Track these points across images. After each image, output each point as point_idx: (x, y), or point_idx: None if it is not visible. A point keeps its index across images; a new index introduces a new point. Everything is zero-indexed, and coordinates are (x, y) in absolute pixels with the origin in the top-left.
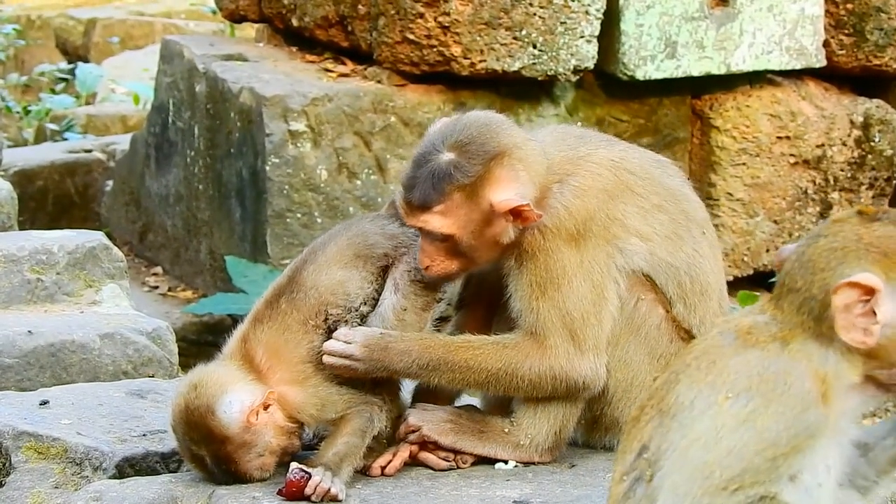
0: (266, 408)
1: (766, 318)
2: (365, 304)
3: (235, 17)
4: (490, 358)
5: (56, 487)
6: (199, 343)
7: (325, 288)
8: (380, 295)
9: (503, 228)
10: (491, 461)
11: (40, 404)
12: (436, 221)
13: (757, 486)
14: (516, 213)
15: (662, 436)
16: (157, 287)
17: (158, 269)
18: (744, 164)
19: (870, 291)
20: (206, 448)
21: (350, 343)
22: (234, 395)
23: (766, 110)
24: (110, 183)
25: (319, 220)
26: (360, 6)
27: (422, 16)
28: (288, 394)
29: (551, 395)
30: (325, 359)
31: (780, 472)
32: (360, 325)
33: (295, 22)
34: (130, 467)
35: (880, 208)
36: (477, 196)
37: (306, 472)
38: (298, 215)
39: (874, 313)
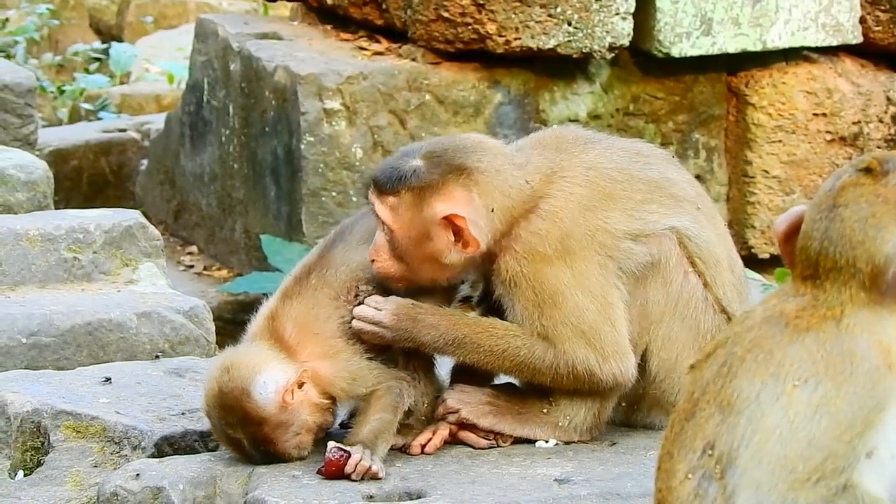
0: (300, 386)
1: (808, 299)
2: None
3: None
4: (514, 348)
5: (95, 466)
6: (235, 322)
7: (356, 264)
8: None
9: (444, 245)
10: (532, 440)
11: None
12: (383, 211)
13: (837, 474)
14: (456, 231)
15: (729, 432)
16: (192, 266)
17: (193, 249)
18: (780, 141)
19: None
20: (243, 431)
21: (380, 310)
22: (268, 374)
23: (802, 87)
24: (145, 162)
25: (354, 199)
26: None
27: None
28: (319, 369)
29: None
30: (354, 323)
31: (858, 452)
32: None
33: (329, 0)
34: (169, 446)
35: (880, 158)
36: (424, 202)
37: (345, 451)
38: (333, 194)
39: None
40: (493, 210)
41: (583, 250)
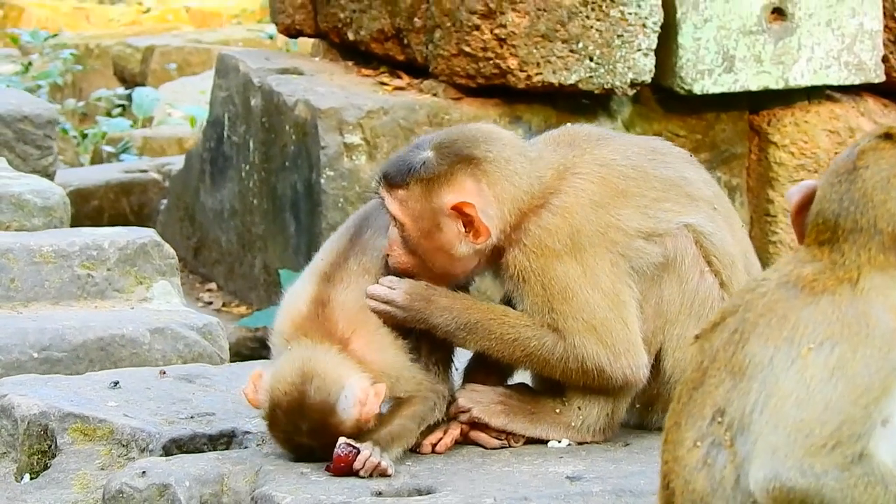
0: (376, 395)
1: (825, 262)
2: None
3: (292, 32)
4: (525, 338)
5: (102, 469)
6: (253, 358)
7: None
8: None
9: (454, 236)
10: (543, 440)
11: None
12: (393, 205)
13: (854, 441)
14: (466, 221)
15: (741, 398)
16: (210, 303)
17: (213, 285)
18: (802, 180)
19: None
20: (317, 440)
21: (394, 289)
22: (351, 390)
23: (824, 126)
24: (165, 202)
25: None
26: (416, 19)
27: (478, 28)
28: (369, 361)
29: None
30: (367, 301)
31: (874, 419)
32: None
33: (351, 36)
34: (178, 448)
35: (894, 130)
36: (433, 193)
37: (354, 447)
38: None
39: None
40: (502, 200)
41: (593, 247)
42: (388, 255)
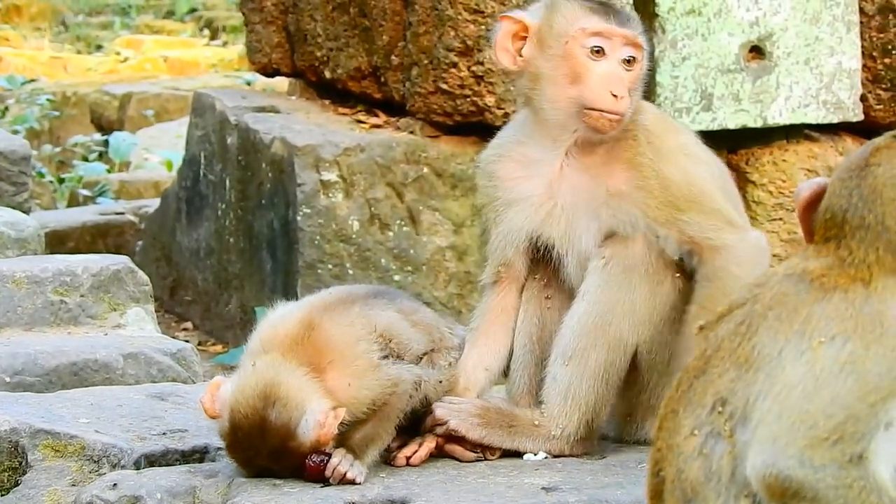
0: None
1: (833, 259)
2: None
3: (268, 71)
4: None
5: (73, 485)
6: None
7: (397, 323)
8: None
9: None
10: (520, 453)
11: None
12: (639, 38)
13: (856, 440)
14: None
15: (745, 389)
16: (187, 342)
17: (188, 324)
18: (780, 219)
19: None
20: (276, 462)
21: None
22: (311, 415)
23: (802, 165)
24: (140, 241)
25: (351, 272)
26: (393, 56)
27: (455, 65)
28: (338, 394)
29: None
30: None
31: (879, 419)
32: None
33: (327, 74)
34: (150, 464)
35: None
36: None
37: (325, 455)
38: (330, 266)
39: None
40: None
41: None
42: (621, 99)
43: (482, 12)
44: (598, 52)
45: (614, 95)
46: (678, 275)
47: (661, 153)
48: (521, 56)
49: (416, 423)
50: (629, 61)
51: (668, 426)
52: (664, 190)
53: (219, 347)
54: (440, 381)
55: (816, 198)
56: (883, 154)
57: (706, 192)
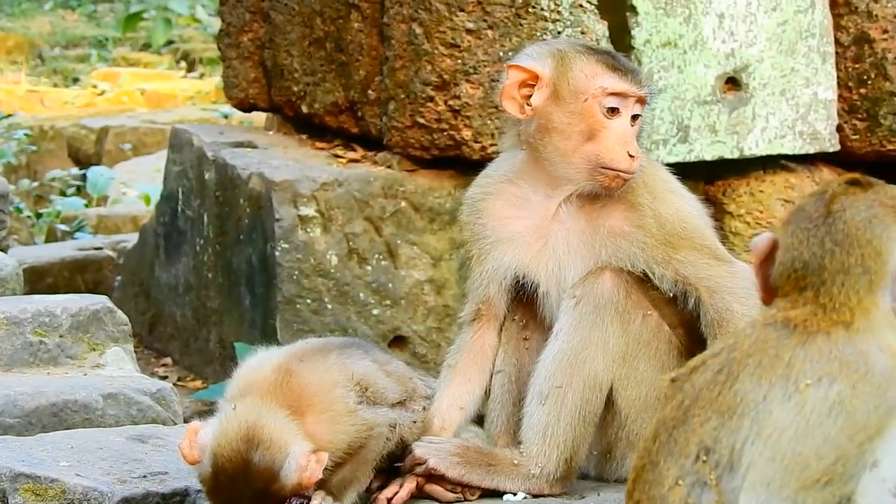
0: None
1: (813, 306)
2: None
3: (245, 107)
4: None
5: None
6: None
7: (374, 372)
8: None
9: None
10: (499, 493)
11: None
12: (649, 97)
13: (845, 481)
14: None
15: (730, 436)
16: (166, 377)
17: (168, 360)
18: None
19: None
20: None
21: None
22: (294, 458)
23: (779, 195)
24: (119, 278)
25: (329, 306)
26: (370, 91)
27: (432, 99)
28: (317, 437)
29: None
30: None
31: (866, 459)
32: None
33: (305, 109)
34: None
35: (859, 177)
36: None
37: (305, 497)
38: (308, 301)
39: None
40: None
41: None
42: (635, 159)
43: (458, 46)
44: (615, 111)
45: (631, 156)
46: (650, 312)
47: (654, 193)
48: (529, 105)
49: (395, 463)
50: (636, 117)
51: (647, 478)
52: (660, 228)
53: (198, 383)
54: (414, 422)
55: (771, 250)
56: (843, 200)
57: (697, 228)
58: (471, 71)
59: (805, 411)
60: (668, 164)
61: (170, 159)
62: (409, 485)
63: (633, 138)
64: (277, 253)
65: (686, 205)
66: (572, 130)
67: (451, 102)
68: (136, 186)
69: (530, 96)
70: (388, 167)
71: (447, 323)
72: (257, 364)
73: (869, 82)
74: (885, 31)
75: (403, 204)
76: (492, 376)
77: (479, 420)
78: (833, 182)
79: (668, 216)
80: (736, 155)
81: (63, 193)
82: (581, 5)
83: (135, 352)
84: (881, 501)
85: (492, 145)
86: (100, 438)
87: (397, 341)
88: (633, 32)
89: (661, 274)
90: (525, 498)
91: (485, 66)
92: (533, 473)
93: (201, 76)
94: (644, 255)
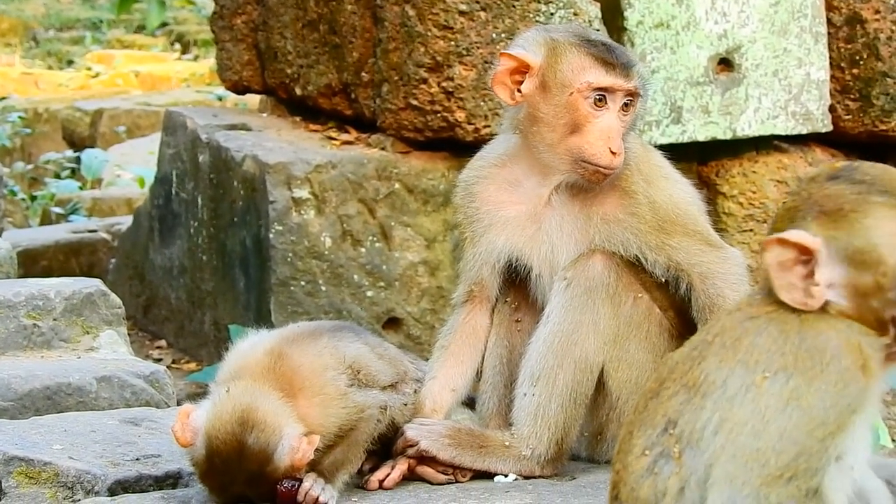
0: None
1: (773, 297)
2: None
3: (239, 89)
4: None
5: None
6: None
7: (365, 354)
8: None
9: None
10: (490, 475)
11: None
12: (640, 89)
13: (810, 475)
14: None
15: (693, 413)
16: (160, 360)
17: (162, 342)
18: (751, 230)
19: (805, 251)
20: (253, 488)
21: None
22: (287, 440)
23: (772, 176)
24: (113, 260)
25: (324, 288)
26: (363, 73)
27: (425, 81)
28: (310, 420)
29: None
30: None
31: (830, 454)
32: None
33: (298, 91)
34: (123, 490)
35: (849, 164)
36: None
37: (296, 479)
38: (302, 283)
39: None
40: None
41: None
42: (617, 155)
43: (451, 28)
44: (601, 102)
45: (613, 153)
46: (641, 294)
47: (649, 179)
48: (519, 92)
49: (387, 446)
50: (627, 105)
51: (625, 448)
52: (654, 214)
53: (193, 365)
54: (405, 405)
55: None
56: (800, 186)
57: (690, 214)
58: (464, 53)
59: (761, 406)
60: (661, 146)
61: (164, 142)
62: (401, 466)
63: (617, 134)
64: (271, 235)
65: (680, 191)
66: (558, 122)
67: (444, 84)
68: (130, 169)
69: (522, 83)
70: (382, 149)
71: (441, 304)
72: (249, 347)
73: (861, 62)
74: (878, 12)
75: (397, 186)
76: (483, 358)
77: (471, 403)
78: (823, 166)
79: (662, 202)
80: (729, 136)
81: (57, 176)
82: None
83: (129, 334)
84: (848, 487)
85: (485, 127)
86: (93, 421)
87: (391, 323)
88: (625, 13)
89: (654, 259)
90: (516, 479)
91: (478, 47)
92: (524, 455)
93: (196, 58)
94: (637, 241)
